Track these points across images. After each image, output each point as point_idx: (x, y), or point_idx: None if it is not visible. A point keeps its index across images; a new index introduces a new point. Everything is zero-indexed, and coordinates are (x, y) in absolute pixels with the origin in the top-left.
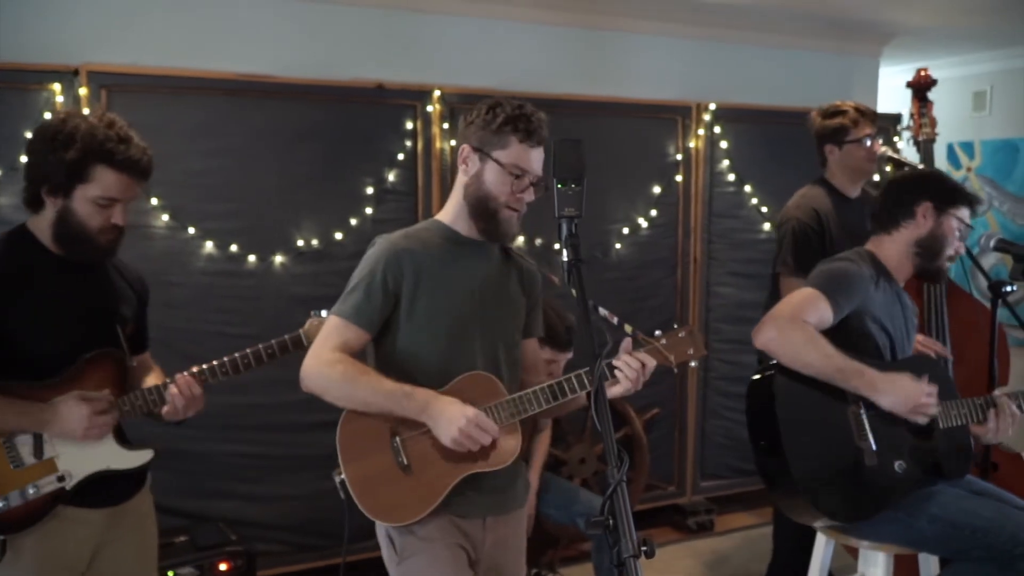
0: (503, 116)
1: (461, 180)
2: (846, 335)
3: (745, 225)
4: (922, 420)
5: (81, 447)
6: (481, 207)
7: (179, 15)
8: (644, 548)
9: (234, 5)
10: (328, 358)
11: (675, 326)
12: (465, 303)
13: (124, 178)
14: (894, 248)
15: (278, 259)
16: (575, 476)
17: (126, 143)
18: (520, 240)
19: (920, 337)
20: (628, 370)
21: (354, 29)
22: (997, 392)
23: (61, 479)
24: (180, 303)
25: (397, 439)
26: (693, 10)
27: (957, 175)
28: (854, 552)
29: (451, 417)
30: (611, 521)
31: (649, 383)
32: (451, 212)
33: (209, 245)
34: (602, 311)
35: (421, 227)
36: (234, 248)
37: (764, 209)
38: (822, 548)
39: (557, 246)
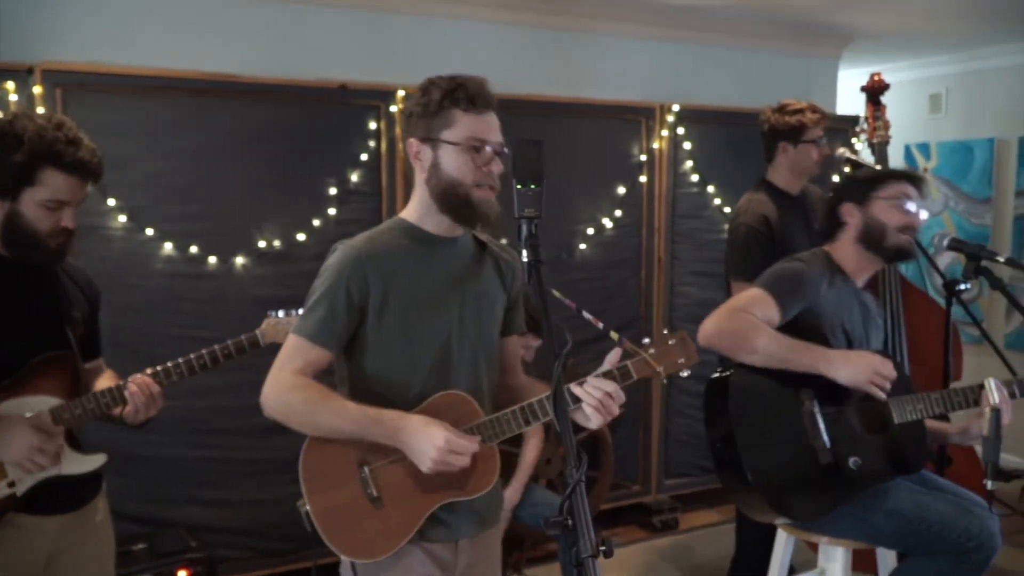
0: (439, 93)
1: (420, 177)
2: (799, 335)
3: (708, 225)
4: (881, 394)
5: None
6: (449, 196)
7: (139, 13)
8: (603, 548)
9: (196, 3)
10: (289, 383)
11: (664, 332)
12: (439, 309)
13: (73, 180)
14: (844, 252)
15: (239, 260)
16: (541, 477)
17: (75, 145)
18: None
19: None
20: (589, 399)
21: (318, 29)
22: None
23: (11, 485)
24: (139, 306)
25: (366, 469)
26: (657, 12)
27: None
28: (814, 547)
29: (426, 439)
30: (570, 521)
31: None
32: (416, 210)
33: (168, 246)
34: (586, 315)
35: (385, 228)
36: (194, 249)
37: (727, 210)
38: (782, 544)
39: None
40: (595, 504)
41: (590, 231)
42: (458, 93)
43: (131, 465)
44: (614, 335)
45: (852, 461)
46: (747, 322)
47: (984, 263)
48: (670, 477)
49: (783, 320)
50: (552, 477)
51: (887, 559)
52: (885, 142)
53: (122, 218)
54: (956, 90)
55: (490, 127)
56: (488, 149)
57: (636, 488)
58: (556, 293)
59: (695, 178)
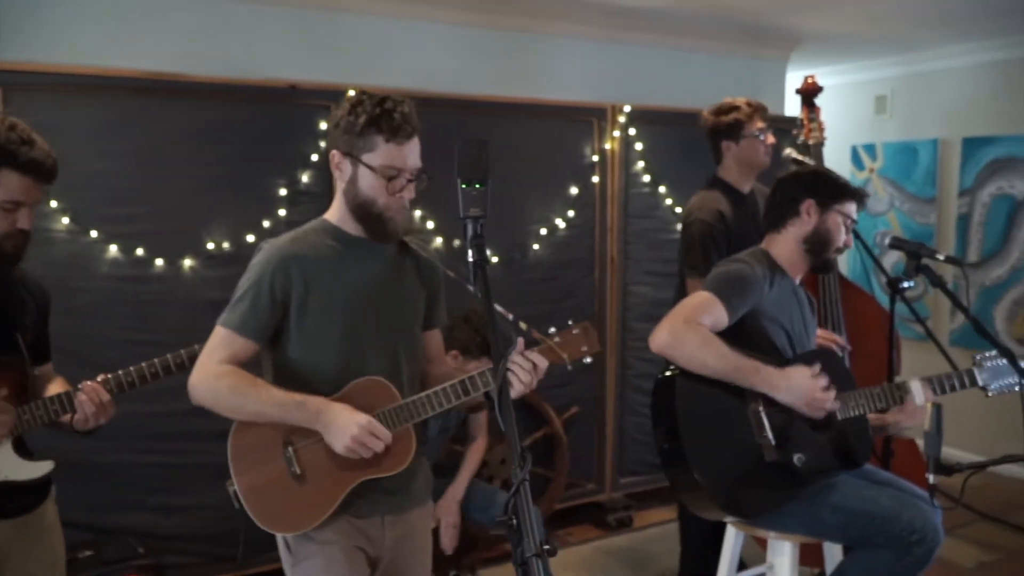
0: (365, 117)
1: (339, 186)
2: (743, 335)
3: (660, 225)
4: (819, 415)
5: None
6: (363, 212)
7: (82, 12)
8: (547, 547)
9: (140, 2)
10: (215, 371)
11: (570, 322)
12: (358, 305)
13: (28, 181)
14: (785, 246)
15: (187, 263)
16: (496, 477)
17: (29, 145)
18: (438, 241)
19: (821, 331)
20: (520, 372)
21: (267, 27)
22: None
23: None
24: (84, 310)
25: (289, 449)
26: (608, 13)
27: (860, 176)
28: (763, 542)
29: (343, 425)
30: (515, 520)
31: (566, 383)
32: (337, 213)
33: (113, 249)
34: (498, 308)
35: (309, 229)
36: (140, 252)
37: (678, 209)
38: (732, 540)
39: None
40: (550, 504)
41: (543, 231)
42: (383, 122)
43: (78, 472)
44: (523, 325)
45: (796, 458)
46: (696, 336)
47: (925, 261)
48: (624, 475)
49: (731, 321)
50: (508, 477)
51: (834, 553)
52: (820, 143)
53: (65, 220)
54: (901, 92)
55: (408, 155)
56: (403, 177)
57: (591, 487)
58: (469, 287)
59: (647, 178)
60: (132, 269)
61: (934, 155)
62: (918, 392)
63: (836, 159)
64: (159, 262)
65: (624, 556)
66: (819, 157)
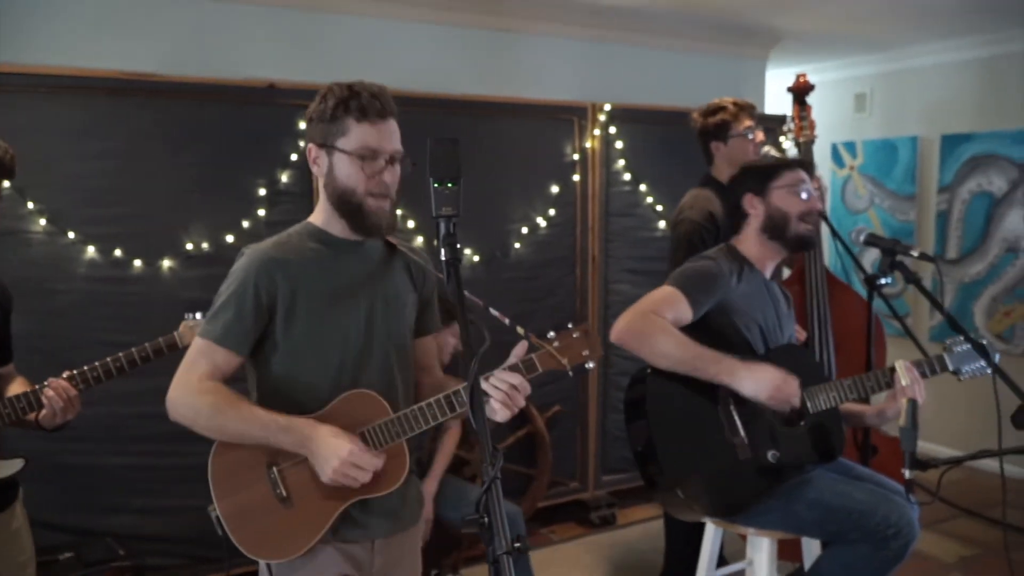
0: (333, 101)
1: (319, 181)
2: (713, 332)
3: (641, 223)
4: (784, 408)
5: None
6: (344, 203)
7: (61, 12)
8: (518, 545)
9: (115, 2)
10: (196, 387)
11: (569, 325)
12: (347, 311)
13: None
14: (750, 243)
15: (166, 263)
16: (479, 476)
17: None
18: (419, 240)
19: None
20: (496, 392)
21: (245, 27)
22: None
23: None
24: (62, 311)
25: (274, 470)
26: (589, 13)
27: (841, 174)
28: (745, 537)
29: (327, 455)
30: (486, 519)
31: (549, 381)
32: (321, 214)
33: (91, 250)
34: (493, 312)
35: (293, 232)
36: (118, 253)
37: (659, 208)
38: (711, 537)
39: (457, 246)
40: (533, 502)
41: (524, 230)
42: (352, 102)
43: (58, 473)
44: (520, 330)
45: (771, 455)
46: (655, 326)
47: (900, 258)
48: (607, 473)
49: (695, 316)
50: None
51: (812, 548)
52: (811, 141)
53: (42, 221)
54: (880, 90)
55: (384, 136)
56: (381, 159)
57: (574, 485)
58: (494, 312)
59: (627, 177)
60: (110, 270)
61: (914, 152)
62: (904, 372)
63: (816, 157)
64: (137, 263)
65: (607, 553)
66: (809, 155)
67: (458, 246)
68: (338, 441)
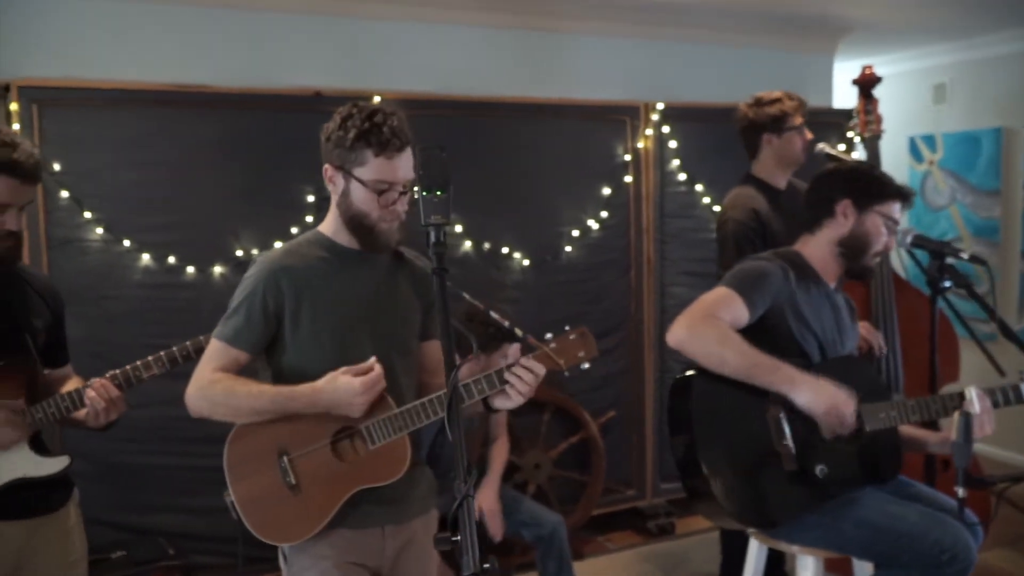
0: (354, 131)
1: (333, 199)
2: (767, 338)
3: (697, 224)
4: (837, 428)
5: None
6: (356, 224)
7: (112, 28)
8: (486, 566)
9: (168, 15)
10: (208, 379)
11: (567, 328)
12: (351, 315)
13: (11, 182)
14: (818, 248)
15: (217, 269)
16: (530, 481)
17: (11, 147)
18: (467, 245)
19: (864, 324)
20: (518, 382)
21: (291, 37)
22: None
23: None
24: (118, 317)
25: (284, 458)
26: (639, 10)
27: (919, 169)
28: None
29: (346, 400)
30: (457, 537)
31: (603, 386)
32: (331, 224)
33: (146, 257)
34: (493, 315)
35: (303, 240)
36: (172, 260)
37: (716, 208)
38: (755, 552)
39: (506, 249)
40: (587, 509)
41: (575, 233)
42: (372, 136)
43: (113, 473)
44: (519, 332)
45: (819, 469)
46: (714, 330)
47: (949, 260)
48: (665, 481)
49: (753, 318)
50: (542, 481)
51: (863, 567)
52: (877, 136)
53: (99, 230)
54: (960, 79)
55: (399, 169)
56: (395, 191)
57: (630, 492)
58: (466, 295)
59: (682, 177)
60: (164, 277)
61: (997, 145)
62: (975, 400)
63: (893, 152)
64: (190, 269)
65: (663, 563)
66: (875, 151)
67: (445, 254)
68: (342, 383)
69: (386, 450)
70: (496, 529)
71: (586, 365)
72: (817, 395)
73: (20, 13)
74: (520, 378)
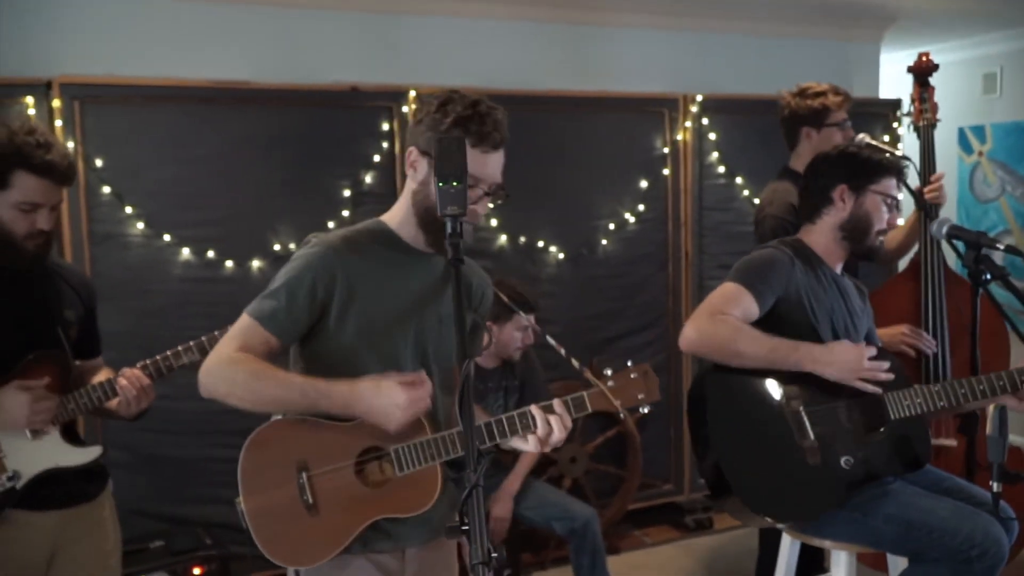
0: (453, 116)
1: (410, 185)
2: (783, 326)
3: (737, 218)
4: (871, 387)
5: (28, 445)
6: (430, 218)
7: (152, 25)
8: (494, 555)
9: (207, 13)
10: (231, 357)
11: (628, 364)
12: (399, 322)
13: (44, 183)
14: (822, 236)
15: (255, 264)
16: (566, 475)
17: (45, 148)
18: (503, 239)
19: (905, 328)
20: (540, 429)
21: (328, 32)
22: None
23: (11, 478)
24: (158, 311)
25: (303, 475)
26: (677, 1)
27: (969, 161)
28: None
29: (386, 399)
30: (467, 525)
31: None
32: (398, 216)
33: (186, 252)
34: (550, 340)
35: (364, 229)
36: (211, 254)
37: (756, 201)
38: (787, 548)
39: (542, 243)
40: (623, 504)
41: (611, 226)
42: (472, 125)
43: (152, 464)
44: (575, 362)
45: (844, 460)
46: (728, 327)
47: (985, 251)
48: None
49: (763, 310)
50: (578, 475)
51: (898, 561)
52: (932, 125)
53: (140, 225)
54: (1012, 69)
55: (490, 166)
56: (481, 188)
57: (668, 487)
58: (551, 340)
59: (721, 169)
60: (203, 271)
61: None
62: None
63: (942, 143)
64: (229, 263)
65: (701, 557)
66: (930, 140)
67: (460, 244)
68: (387, 390)
69: (415, 478)
70: (499, 534)
71: (645, 409)
72: (842, 362)
73: (61, 11)
74: (542, 426)
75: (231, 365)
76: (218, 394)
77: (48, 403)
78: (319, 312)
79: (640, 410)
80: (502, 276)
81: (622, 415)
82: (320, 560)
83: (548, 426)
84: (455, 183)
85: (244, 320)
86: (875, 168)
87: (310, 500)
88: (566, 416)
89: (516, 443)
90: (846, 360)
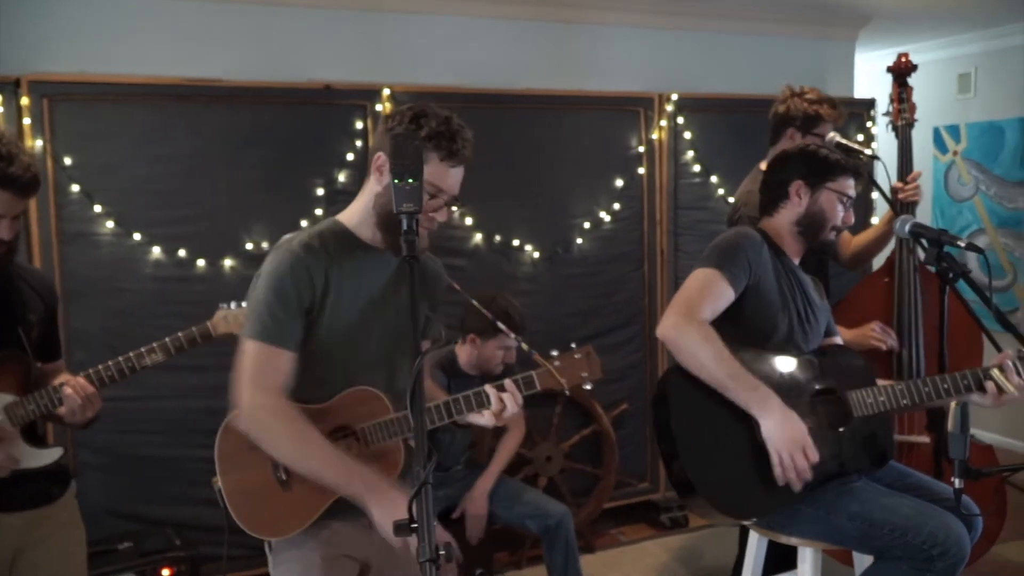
0: (426, 130)
1: (372, 188)
2: (751, 306)
3: (713, 216)
4: (788, 471)
5: None
6: (390, 221)
7: (123, 22)
8: (442, 552)
9: (180, 9)
10: (273, 405)
11: (572, 345)
12: (363, 314)
13: (5, 194)
14: (779, 228)
15: (228, 263)
16: (541, 474)
17: (7, 161)
18: (478, 237)
19: (874, 325)
20: (495, 404)
21: (301, 31)
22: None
23: None
24: (129, 310)
25: None
26: (653, 0)
27: (944, 160)
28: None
29: (383, 529)
30: (415, 524)
31: (616, 379)
32: (355, 217)
33: (156, 251)
34: (500, 326)
35: (325, 231)
36: (182, 253)
37: (731, 200)
38: (754, 544)
39: (517, 242)
40: (599, 502)
41: (587, 225)
42: (443, 140)
43: (122, 465)
44: (525, 346)
45: None
46: (699, 335)
47: (947, 249)
48: None
49: (737, 291)
50: (554, 474)
51: (863, 557)
52: (910, 125)
53: (110, 224)
54: (986, 69)
55: (454, 180)
56: (442, 199)
57: (644, 485)
58: (501, 326)
59: (697, 168)
60: (175, 270)
61: (1022, 135)
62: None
63: (917, 142)
64: (200, 262)
65: (678, 555)
66: (908, 139)
67: (415, 242)
68: (385, 529)
69: (381, 453)
70: (476, 533)
71: (588, 386)
72: (781, 433)
73: (30, 8)
74: (503, 403)
75: (275, 418)
76: (257, 438)
77: (5, 455)
78: (306, 317)
79: (584, 387)
80: (497, 292)
81: (567, 392)
82: (295, 530)
83: (501, 403)
84: (411, 180)
85: (258, 348)
86: (832, 167)
87: (283, 476)
88: (516, 394)
89: (473, 418)
90: (789, 434)
